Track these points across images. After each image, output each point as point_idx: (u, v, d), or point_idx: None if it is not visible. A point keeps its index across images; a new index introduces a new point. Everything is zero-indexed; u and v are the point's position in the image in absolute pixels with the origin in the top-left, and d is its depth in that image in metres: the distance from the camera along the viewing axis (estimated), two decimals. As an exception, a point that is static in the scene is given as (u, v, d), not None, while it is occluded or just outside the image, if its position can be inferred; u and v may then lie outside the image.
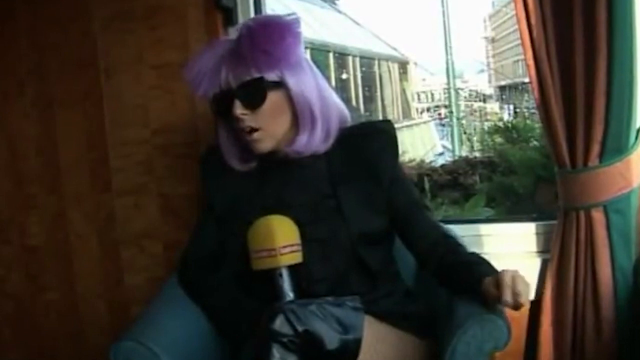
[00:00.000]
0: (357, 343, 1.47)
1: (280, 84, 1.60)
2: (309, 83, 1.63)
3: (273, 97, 1.59)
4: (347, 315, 1.49)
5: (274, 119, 1.61)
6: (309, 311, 1.44)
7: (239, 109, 1.58)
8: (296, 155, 1.65)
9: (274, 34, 1.55)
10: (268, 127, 1.61)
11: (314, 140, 1.64)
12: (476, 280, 1.48)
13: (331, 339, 1.43)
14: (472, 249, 1.65)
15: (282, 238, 1.56)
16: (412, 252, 1.70)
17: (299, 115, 1.63)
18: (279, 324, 1.40)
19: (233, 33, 1.98)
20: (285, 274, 1.57)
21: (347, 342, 1.46)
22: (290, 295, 1.56)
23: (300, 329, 1.40)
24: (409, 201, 1.67)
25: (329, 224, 1.62)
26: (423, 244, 1.65)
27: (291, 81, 1.60)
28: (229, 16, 2.12)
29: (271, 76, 1.58)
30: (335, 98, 1.69)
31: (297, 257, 1.58)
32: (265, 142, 1.62)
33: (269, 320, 1.41)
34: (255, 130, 1.60)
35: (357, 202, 1.63)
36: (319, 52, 8.25)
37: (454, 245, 1.64)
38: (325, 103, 1.65)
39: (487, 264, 1.55)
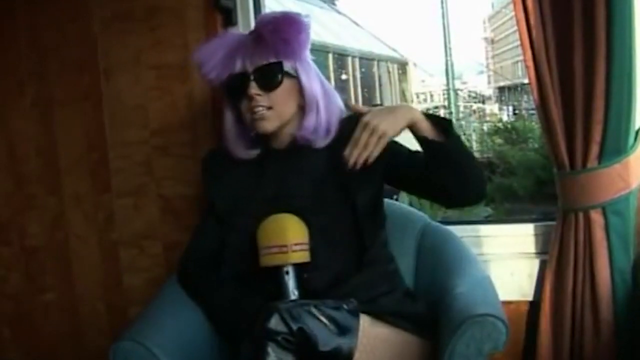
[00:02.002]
0: (351, 348, 1.48)
1: (293, 73, 1.66)
2: (316, 81, 1.70)
3: (286, 83, 1.65)
4: (343, 318, 1.49)
5: (285, 102, 1.66)
6: (305, 311, 1.45)
7: (254, 89, 1.63)
8: (305, 142, 1.68)
9: (294, 26, 1.62)
10: (278, 107, 1.65)
11: (320, 129, 1.68)
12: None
13: (325, 340, 1.44)
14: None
15: (293, 235, 1.58)
16: (420, 175, 1.62)
17: (306, 106, 1.68)
18: (274, 322, 1.41)
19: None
20: (291, 271, 1.57)
21: (341, 346, 1.46)
22: (295, 293, 1.57)
23: (294, 327, 1.41)
24: (406, 154, 1.66)
25: (330, 211, 1.64)
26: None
27: (302, 75, 1.67)
28: (229, 17, 2.12)
29: (287, 65, 1.65)
30: (337, 98, 1.74)
31: (305, 256, 1.59)
32: (271, 121, 1.65)
33: (265, 319, 1.42)
34: (265, 107, 1.64)
35: (357, 186, 1.64)
36: (319, 53, 8.25)
37: None
38: (328, 101, 1.70)
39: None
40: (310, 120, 1.68)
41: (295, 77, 1.67)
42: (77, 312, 2.30)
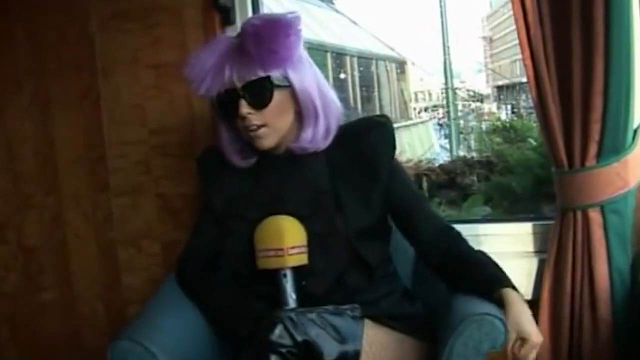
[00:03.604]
0: (356, 354, 1.47)
1: (284, 83, 1.59)
2: (311, 80, 1.63)
3: (278, 96, 1.59)
4: (346, 325, 1.49)
5: (279, 116, 1.60)
6: (308, 320, 1.43)
7: (245, 109, 1.57)
8: (302, 151, 1.64)
9: (279, 32, 1.54)
10: (272, 123, 1.60)
11: (318, 136, 1.64)
12: (489, 285, 1.51)
13: (330, 349, 1.43)
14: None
15: (290, 238, 1.56)
16: (413, 242, 1.69)
17: (302, 112, 1.62)
18: (278, 333, 1.40)
19: (231, 32, 1.99)
20: (289, 275, 1.56)
21: (346, 353, 1.45)
22: (293, 296, 1.56)
23: (299, 338, 1.40)
24: (409, 192, 1.67)
25: (328, 218, 1.61)
26: (426, 234, 1.64)
27: (295, 79, 1.60)
28: (227, 16, 2.11)
29: (276, 75, 1.58)
30: (333, 95, 1.69)
31: (303, 259, 1.58)
32: (269, 138, 1.61)
33: (268, 330, 1.40)
34: (261, 126, 1.59)
35: (355, 197, 1.63)
36: (317, 52, 8.24)
37: (458, 238, 1.65)
38: (325, 99, 1.65)
39: (498, 267, 1.57)
40: (307, 132, 1.63)
41: (288, 85, 1.60)
42: (75, 311, 2.30)
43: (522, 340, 1.44)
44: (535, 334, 1.44)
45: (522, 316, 1.46)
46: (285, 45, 1.54)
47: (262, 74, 1.56)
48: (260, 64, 1.55)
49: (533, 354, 1.43)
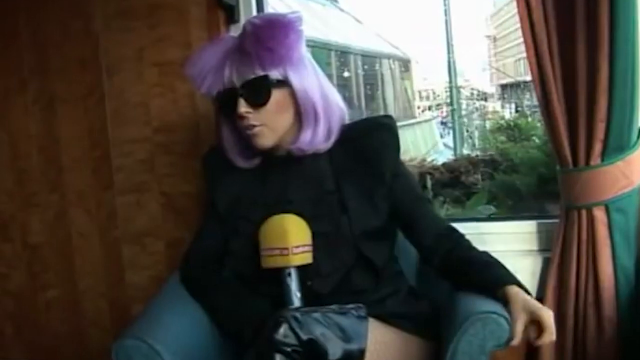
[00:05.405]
0: (361, 353, 1.47)
1: (283, 82, 1.59)
2: (312, 81, 1.63)
3: (277, 95, 1.59)
4: (351, 324, 1.48)
5: (277, 116, 1.61)
6: (313, 319, 1.43)
7: (243, 107, 1.58)
8: (300, 152, 1.64)
9: (278, 32, 1.54)
10: (270, 123, 1.60)
11: (317, 138, 1.64)
12: (492, 284, 1.50)
13: (335, 348, 1.42)
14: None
15: (295, 238, 1.56)
16: (416, 246, 1.69)
17: (302, 112, 1.62)
18: (283, 333, 1.39)
19: (235, 31, 1.99)
20: (294, 273, 1.56)
21: (351, 352, 1.45)
22: (297, 294, 1.56)
23: (304, 337, 1.39)
24: (412, 195, 1.67)
25: (333, 219, 1.62)
26: (427, 238, 1.64)
27: (294, 79, 1.60)
28: (231, 14, 2.12)
29: (275, 74, 1.58)
30: (336, 96, 1.69)
31: (308, 258, 1.58)
32: (266, 137, 1.61)
33: (273, 329, 1.40)
34: (258, 125, 1.60)
35: (360, 198, 1.63)
36: (321, 50, 8.24)
37: (460, 240, 1.64)
38: (327, 101, 1.65)
39: (501, 266, 1.56)
40: (306, 134, 1.63)
41: (287, 84, 1.60)
42: (79, 309, 2.30)
43: (535, 322, 1.43)
44: (545, 309, 1.43)
45: (526, 302, 1.45)
46: (284, 44, 1.54)
47: (260, 72, 1.57)
48: (259, 62, 1.56)
49: (552, 328, 1.42)
